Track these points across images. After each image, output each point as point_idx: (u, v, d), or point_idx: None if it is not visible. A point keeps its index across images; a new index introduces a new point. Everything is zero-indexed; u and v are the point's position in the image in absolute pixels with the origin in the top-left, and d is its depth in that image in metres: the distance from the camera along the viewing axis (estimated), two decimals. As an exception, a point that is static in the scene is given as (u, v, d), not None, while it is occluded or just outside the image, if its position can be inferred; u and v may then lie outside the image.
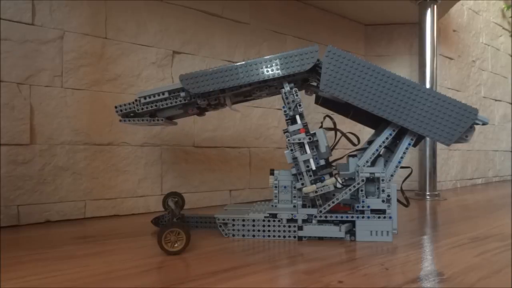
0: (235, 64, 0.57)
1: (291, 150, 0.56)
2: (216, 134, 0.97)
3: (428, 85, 1.18)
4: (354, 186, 0.56)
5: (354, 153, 0.66)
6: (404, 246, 0.54)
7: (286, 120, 0.57)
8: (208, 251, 0.51)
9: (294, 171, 0.57)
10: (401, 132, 0.58)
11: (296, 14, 1.15)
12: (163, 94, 0.60)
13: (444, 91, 1.44)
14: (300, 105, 0.56)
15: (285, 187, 0.60)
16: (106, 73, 0.79)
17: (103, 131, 0.79)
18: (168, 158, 0.88)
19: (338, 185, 0.61)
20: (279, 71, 0.56)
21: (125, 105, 0.61)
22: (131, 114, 0.62)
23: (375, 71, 0.55)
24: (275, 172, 0.60)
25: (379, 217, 0.56)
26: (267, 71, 0.57)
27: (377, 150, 0.57)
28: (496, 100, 1.79)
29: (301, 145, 0.56)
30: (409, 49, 1.37)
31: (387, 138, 0.58)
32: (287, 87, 0.57)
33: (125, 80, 0.82)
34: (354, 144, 0.63)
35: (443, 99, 0.55)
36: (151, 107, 0.60)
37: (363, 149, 0.64)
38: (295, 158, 0.56)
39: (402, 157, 0.57)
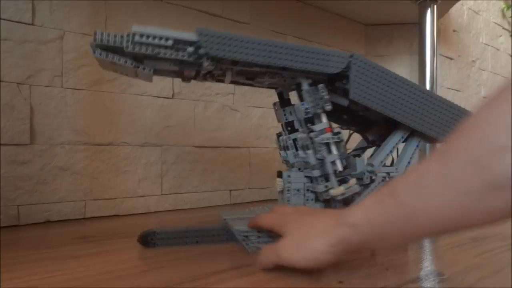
0: (266, 40, 0.49)
1: (318, 150, 0.52)
2: (216, 134, 0.97)
3: (428, 85, 1.18)
4: (376, 186, 0.55)
5: (357, 152, 0.66)
6: (404, 246, 0.54)
7: (305, 118, 0.52)
8: (208, 251, 0.51)
9: (317, 173, 0.53)
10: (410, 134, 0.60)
11: (296, 14, 1.15)
12: (167, 40, 0.46)
13: (444, 91, 1.44)
14: (328, 103, 0.52)
15: (298, 190, 0.55)
16: (106, 73, 0.79)
17: (103, 131, 0.79)
18: (168, 158, 0.88)
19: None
20: (306, 64, 0.51)
21: (109, 35, 0.45)
22: (111, 49, 0.46)
23: (396, 79, 0.55)
24: (286, 174, 0.55)
25: None
26: (296, 60, 0.50)
27: (391, 151, 0.58)
28: (496, 100, 1.78)
29: (327, 145, 0.52)
30: (409, 49, 1.37)
31: (399, 140, 0.59)
32: (305, 83, 0.53)
33: (125, 80, 0.82)
34: (368, 142, 0.62)
35: (448, 104, 0.56)
36: (145, 50, 0.46)
37: (360, 149, 0.64)
38: (319, 159, 0.52)
39: (411, 158, 0.58)
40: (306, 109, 0.52)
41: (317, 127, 0.52)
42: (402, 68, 1.38)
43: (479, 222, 0.29)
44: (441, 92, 1.40)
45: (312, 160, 0.52)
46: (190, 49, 0.47)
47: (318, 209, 0.42)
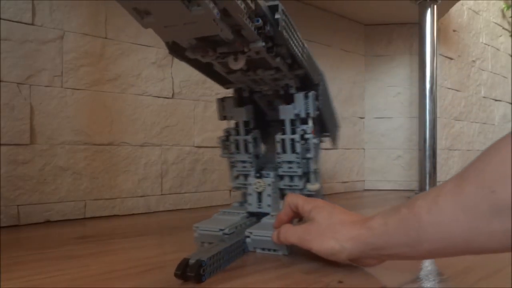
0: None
1: (309, 150, 0.54)
2: (216, 134, 0.97)
3: (428, 85, 1.18)
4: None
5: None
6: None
7: (293, 119, 0.54)
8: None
9: (301, 171, 0.55)
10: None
11: (296, 14, 1.15)
12: (252, 1, 0.39)
13: (444, 91, 1.44)
14: (317, 110, 0.55)
15: (275, 189, 0.56)
16: (106, 73, 0.79)
17: (103, 131, 0.79)
18: (168, 158, 0.88)
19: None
20: (310, 70, 0.53)
21: None
22: None
23: (330, 98, 0.64)
24: (269, 174, 0.56)
25: None
26: (307, 63, 0.51)
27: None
28: (496, 100, 1.79)
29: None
30: (409, 49, 1.37)
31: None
32: (294, 87, 0.55)
33: (125, 80, 0.82)
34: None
35: (336, 116, 0.70)
36: None
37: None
38: (305, 158, 0.54)
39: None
40: (299, 111, 0.54)
41: (308, 129, 0.54)
42: (402, 68, 1.38)
43: (483, 246, 0.30)
44: (441, 92, 1.40)
45: (300, 160, 0.54)
46: (261, 22, 0.42)
47: (344, 209, 0.44)
